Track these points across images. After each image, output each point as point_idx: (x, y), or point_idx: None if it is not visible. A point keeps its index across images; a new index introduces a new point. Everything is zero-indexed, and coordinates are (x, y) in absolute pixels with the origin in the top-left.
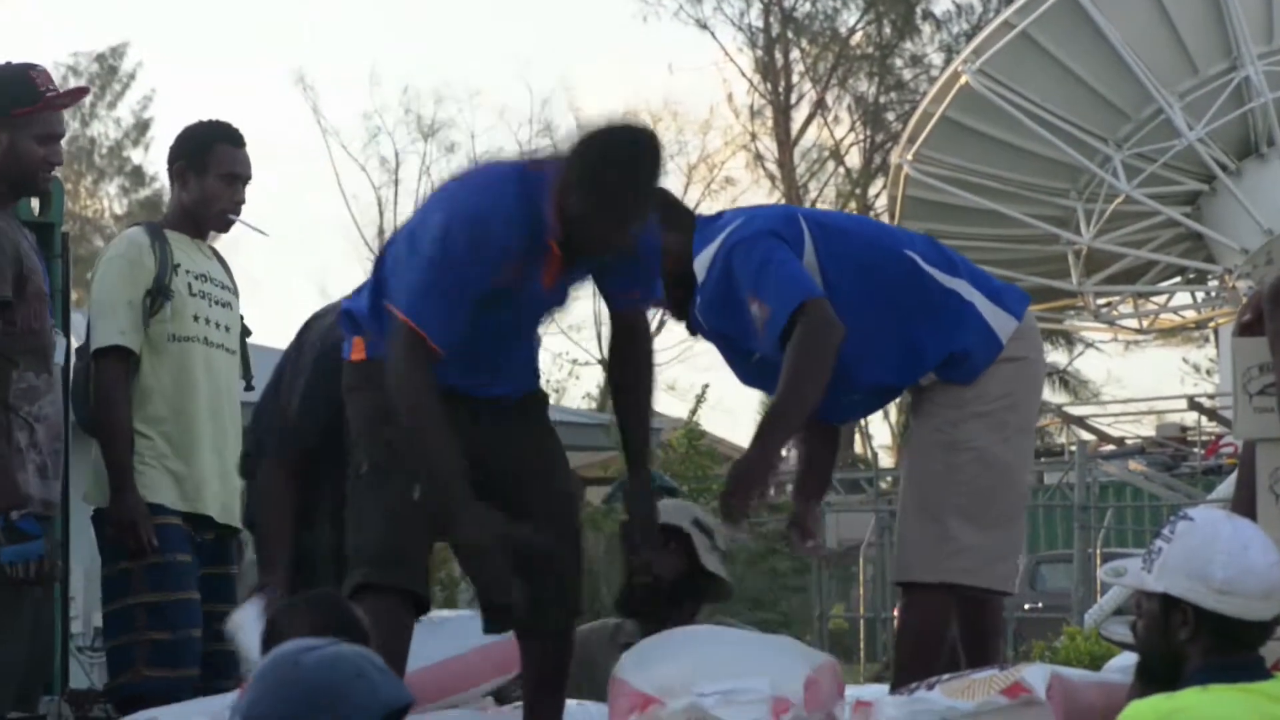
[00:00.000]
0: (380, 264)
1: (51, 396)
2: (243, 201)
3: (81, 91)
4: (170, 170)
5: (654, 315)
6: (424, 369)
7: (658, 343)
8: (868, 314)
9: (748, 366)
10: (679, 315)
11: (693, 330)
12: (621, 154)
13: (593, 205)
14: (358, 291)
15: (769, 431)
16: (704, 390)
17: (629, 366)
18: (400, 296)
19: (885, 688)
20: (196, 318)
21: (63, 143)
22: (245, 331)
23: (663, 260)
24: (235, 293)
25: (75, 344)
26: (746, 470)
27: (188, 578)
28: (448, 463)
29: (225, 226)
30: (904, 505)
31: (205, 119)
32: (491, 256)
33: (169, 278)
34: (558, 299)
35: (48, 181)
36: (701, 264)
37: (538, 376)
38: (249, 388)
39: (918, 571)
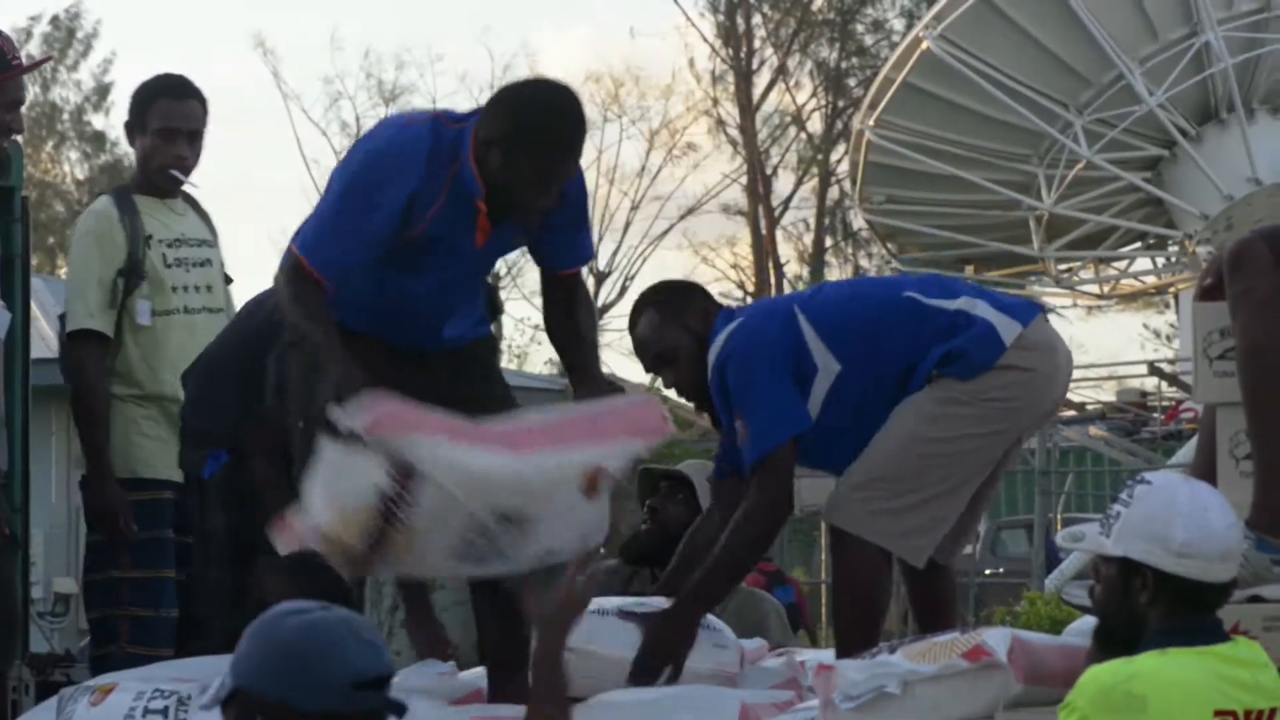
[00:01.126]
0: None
1: None
2: (184, 156)
3: (45, 60)
4: (125, 131)
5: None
6: (310, 295)
7: (622, 306)
8: (879, 382)
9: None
10: (699, 407)
11: (716, 424)
12: (540, 111)
13: (513, 164)
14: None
15: (692, 604)
16: None
17: (570, 320)
18: (301, 230)
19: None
20: (175, 288)
21: (23, 109)
22: (227, 279)
23: (673, 368)
24: (214, 242)
25: (37, 310)
26: (664, 641)
27: (169, 555)
28: (324, 333)
29: (169, 183)
30: (864, 453)
31: (156, 75)
32: (392, 197)
33: (141, 253)
34: (489, 261)
35: (4, 151)
36: (710, 359)
37: (486, 323)
38: None
39: (841, 517)
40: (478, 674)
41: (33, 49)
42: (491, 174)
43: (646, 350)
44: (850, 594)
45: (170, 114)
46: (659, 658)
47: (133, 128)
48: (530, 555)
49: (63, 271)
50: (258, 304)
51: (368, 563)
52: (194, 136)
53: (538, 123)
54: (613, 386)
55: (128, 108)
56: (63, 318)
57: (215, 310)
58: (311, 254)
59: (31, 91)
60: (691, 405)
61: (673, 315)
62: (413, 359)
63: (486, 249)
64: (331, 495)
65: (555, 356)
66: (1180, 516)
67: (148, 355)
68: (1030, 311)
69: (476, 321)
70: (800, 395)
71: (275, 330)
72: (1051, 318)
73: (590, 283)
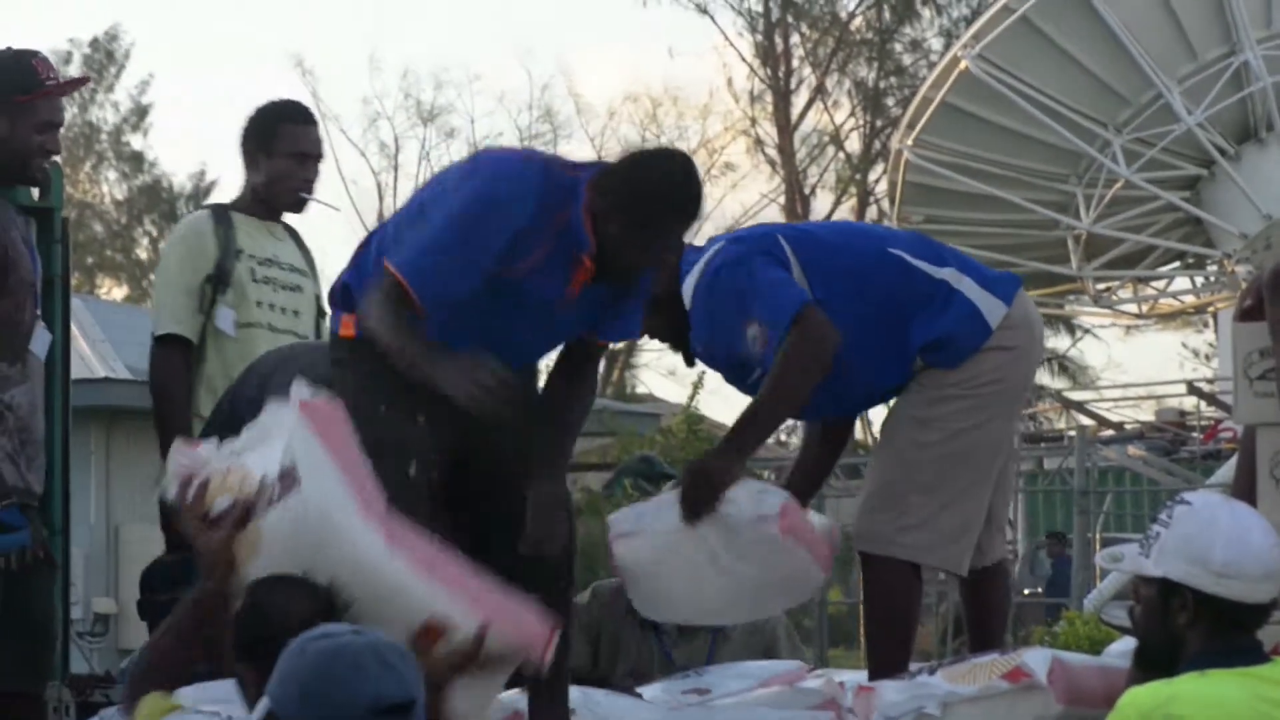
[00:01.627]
0: (368, 242)
1: (26, 386)
2: (313, 179)
3: (81, 81)
4: (242, 153)
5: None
6: (401, 314)
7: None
8: (859, 321)
9: (746, 383)
10: (674, 347)
11: (690, 360)
12: (666, 187)
13: (631, 231)
14: (353, 267)
15: (740, 434)
16: (701, 376)
17: (571, 390)
18: (398, 253)
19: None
20: (260, 303)
21: (60, 130)
22: (320, 312)
23: (658, 308)
24: (310, 273)
25: (77, 331)
26: (712, 471)
27: None
28: (424, 349)
29: (299, 206)
30: (868, 475)
31: (273, 99)
32: (503, 234)
33: (230, 263)
34: (578, 314)
35: (42, 170)
36: (686, 292)
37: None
38: None
39: (869, 543)
40: (517, 696)
41: (73, 70)
42: (606, 236)
43: None
44: (881, 612)
45: (300, 138)
46: (710, 483)
47: (254, 151)
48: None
49: (101, 292)
50: (249, 370)
51: (207, 543)
52: (318, 160)
53: (662, 200)
54: (556, 502)
55: (246, 131)
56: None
57: (302, 336)
58: (416, 281)
59: (70, 112)
60: (677, 352)
61: None
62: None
63: (576, 303)
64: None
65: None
66: (1220, 537)
67: (229, 366)
68: (1012, 288)
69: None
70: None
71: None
72: (1090, 337)
73: None
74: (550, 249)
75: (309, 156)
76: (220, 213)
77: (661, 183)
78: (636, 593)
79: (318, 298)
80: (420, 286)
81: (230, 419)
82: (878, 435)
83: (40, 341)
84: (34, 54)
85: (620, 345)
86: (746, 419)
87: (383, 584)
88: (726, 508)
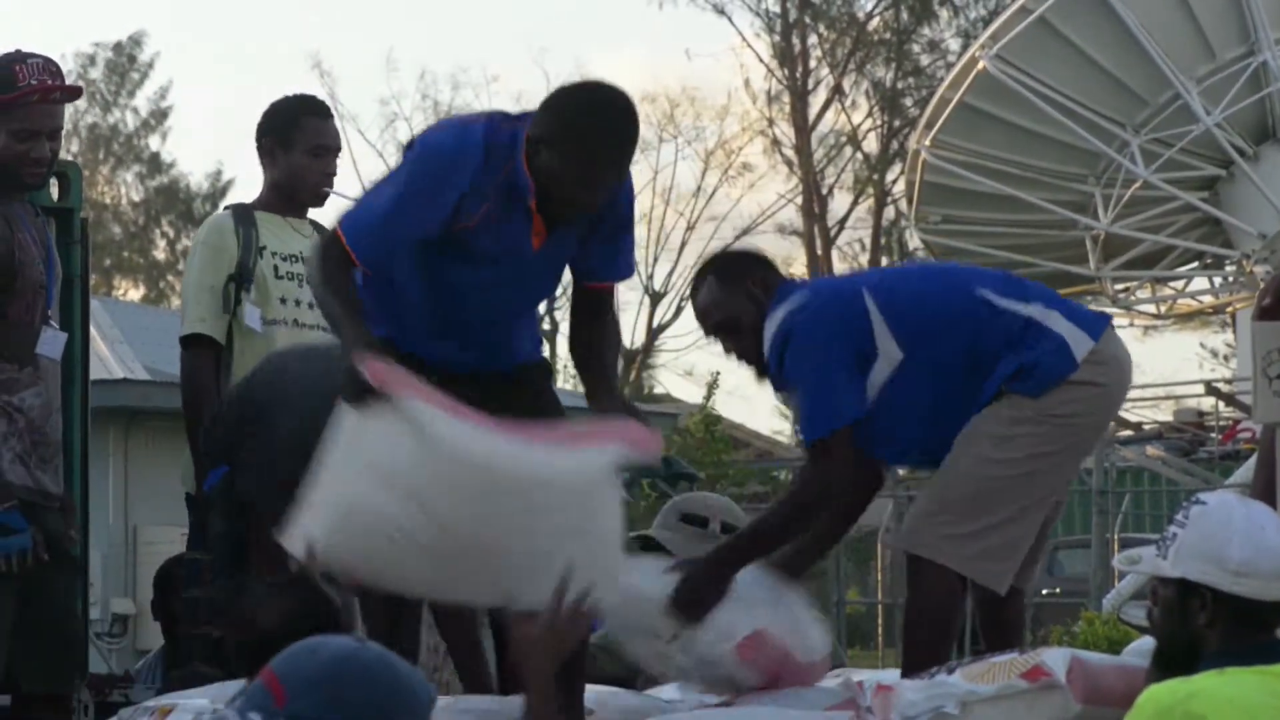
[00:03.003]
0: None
1: (38, 388)
2: (334, 173)
3: (64, 89)
4: (258, 148)
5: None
6: (330, 267)
7: (677, 327)
8: (945, 370)
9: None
10: (759, 375)
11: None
12: (591, 109)
13: (561, 158)
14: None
15: (730, 557)
16: (716, 377)
17: (594, 337)
18: (346, 210)
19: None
20: (284, 300)
21: (49, 138)
22: None
23: (739, 334)
24: None
25: (95, 332)
26: (698, 591)
27: None
28: (341, 307)
29: (320, 200)
30: (935, 479)
31: (290, 93)
32: (445, 191)
33: (253, 261)
34: (549, 270)
35: (36, 178)
36: (765, 338)
37: (538, 345)
38: None
39: (918, 543)
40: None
41: (95, 74)
42: (541, 171)
43: (707, 318)
44: (923, 616)
45: (321, 132)
46: (685, 611)
47: (273, 146)
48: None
49: (119, 293)
50: (263, 364)
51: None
52: (337, 154)
53: (586, 118)
54: (629, 409)
55: (265, 125)
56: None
57: (328, 330)
58: (350, 231)
59: (90, 115)
60: (753, 374)
61: (733, 282)
62: (462, 382)
63: (544, 254)
64: (341, 477)
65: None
66: (1237, 536)
67: (252, 366)
68: (1100, 324)
69: (533, 345)
70: (859, 380)
71: (260, 403)
72: None
73: (645, 303)
74: (499, 203)
75: (328, 150)
76: (242, 211)
77: (586, 104)
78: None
79: None
80: (353, 237)
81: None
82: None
83: (53, 343)
84: (22, 59)
85: (638, 346)
86: (740, 544)
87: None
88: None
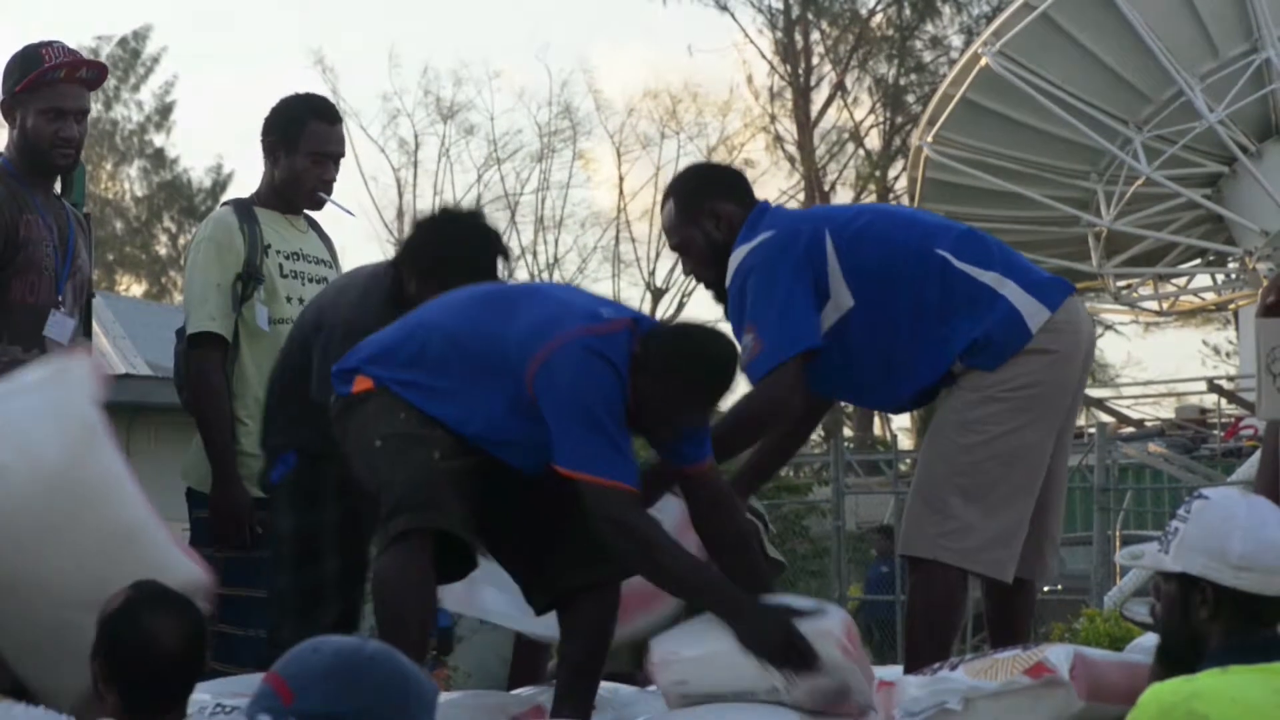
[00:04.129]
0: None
1: None
2: (333, 179)
3: (90, 65)
4: (263, 145)
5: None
6: (640, 511)
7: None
8: (895, 323)
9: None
10: (717, 296)
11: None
12: (713, 373)
13: (675, 410)
14: (368, 358)
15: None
16: None
17: (717, 523)
18: (577, 461)
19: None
20: (290, 299)
21: (76, 120)
22: None
23: (726, 231)
24: (334, 265)
25: (98, 327)
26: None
27: (264, 575)
28: (706, 575)
29: (317, 205)
30: (915, 480)
31: (300, 93)
32: (621, 401)
33: (259, 260)
34: None
35: (66, 158)
36: (730, 265)
37: None
38: None
39: (916, 546)
40: (538, 690)
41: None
42: (648, 404)
43: (667, 238)
44: (925, 615)
45: (325, 139)
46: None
47: (276, 145)
48: None
49: (121, 289)
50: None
51: None
52: (339, 160)
53: (711, 378)
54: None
55: (271, 123)
56: (178, 333)
57: None
58: (618, 474)
59: (94, 110)
60: (712, 296)
61: (688, 209)
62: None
63: None
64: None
65: None
66: (1238, 530)
67: (262, 364)
68: (1059, 293)
69: None
70: (815, 312)
71: (315, 314)
72: (1110, 334)
73: (647, 299)
74: None
75: (329, 156)
76: (244, 208)
77: (704, 365)
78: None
79: None
80: (629, 481)
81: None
82: (905, 435)
83: (61, 327)
84: (48, 44)
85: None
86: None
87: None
88: None
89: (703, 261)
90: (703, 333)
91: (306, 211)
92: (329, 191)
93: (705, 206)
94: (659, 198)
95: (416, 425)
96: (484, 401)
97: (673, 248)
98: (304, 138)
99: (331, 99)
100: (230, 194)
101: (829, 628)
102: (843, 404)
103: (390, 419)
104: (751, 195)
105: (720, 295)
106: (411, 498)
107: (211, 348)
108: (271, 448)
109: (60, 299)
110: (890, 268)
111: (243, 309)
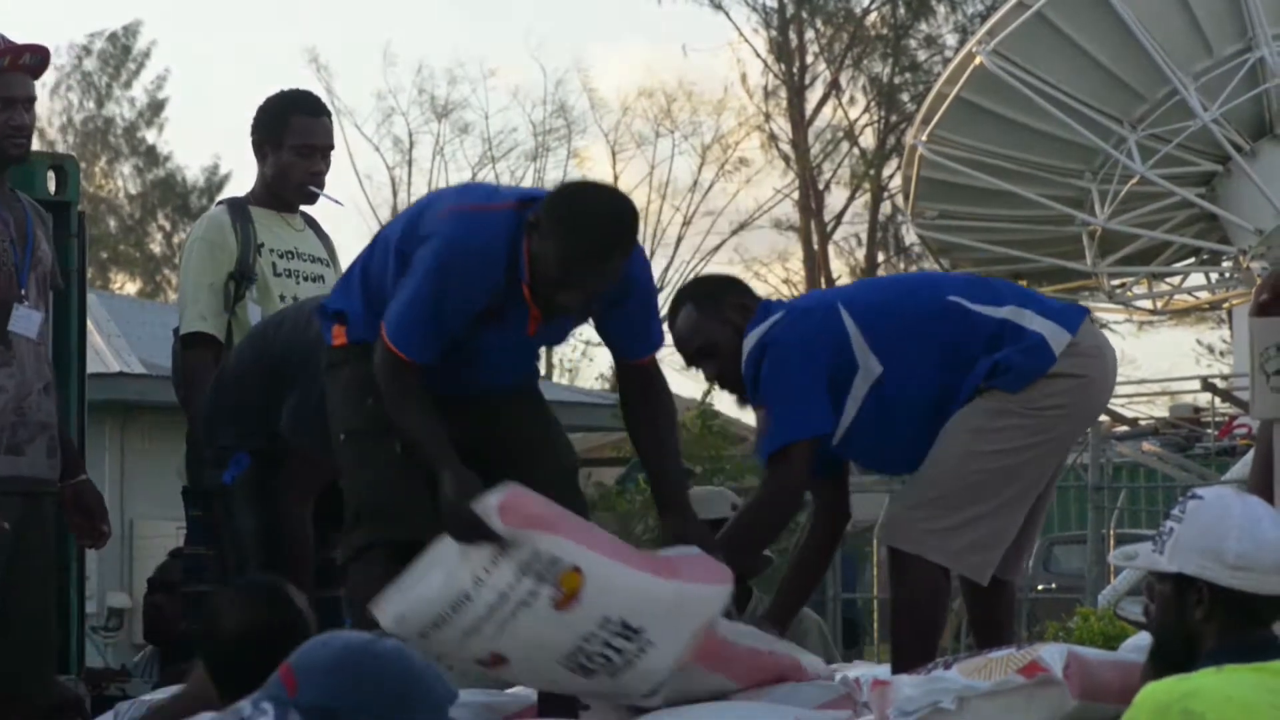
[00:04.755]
0: (367, 261)
1: (11, 369)
2: (321, 172)
3: (33, 50)
4: (252, 145)
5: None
6: (406, 379)
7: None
8: (926, 376)
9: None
10: (742, 400)
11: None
12: (589, 220)
13: (559, 266)
14: (342, 290)
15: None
16: None
17: (647, 417)
18: (390, 319)
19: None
20: (283, 297)
21: (25, 108)
22: None
23: (711, 362)
24: (330, 263)
25: (92, 325)
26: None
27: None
28: (430, 433)
29: (309, 199)
30: (916, 472)
31: (283, 90)
32: (475, 293)
33: (252, 259)
34: (546, 339)
35: (19, 148)
36: (745, 348)
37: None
38: None
39: (901, 538)
40: (528, 690)
41: (89, 65)
42: (537, 263)
43: (686, 345)
44: (909, 611)
45: (309, 130)
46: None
47: (262, 143)
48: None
49: (115, 287)
50: (275, 325)
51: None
52: (327, 152)
53: (587, 224)
54: (697, 528)
55: (256, 122)
56: (175, 330)
57: None
58: (405, 346)
59: (86, 108)
60: (734, 399)
61: (710, 309)
62: (465, 401)
63: (539, 335)
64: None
65: (605, 372)
66: (1234, 530)
67: None
68: (1077, 317)
69: (530, 369)
70: (828, 397)
71: (295, 350)
72: (1105, 332)
73: None
74: (506, 284)
75: (315, 149)
76: (238, 207)
77: (581, 212)
78: None
79: None
80: (411, 351)
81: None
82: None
83: (27, 321)
84: None
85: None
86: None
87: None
88: None
89: (732, 355)
90: (586, 185)
91: (303, 209)
92: (319, 184)
93: (728, 300)
94: (653, 196)
95: (379, 414)
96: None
97: (694, 351)
98: (288, 132)
99: (325, 97)
100: (226, 194)
101: (487, 501)
102: None
103: (357, 406)
104: (753, 293)
105: (741, 396)
106: (372, 506)
107: (203, 347)
108: (220, 448)
109: (23, 292)
110: (913, 324)
111: (236, 308)
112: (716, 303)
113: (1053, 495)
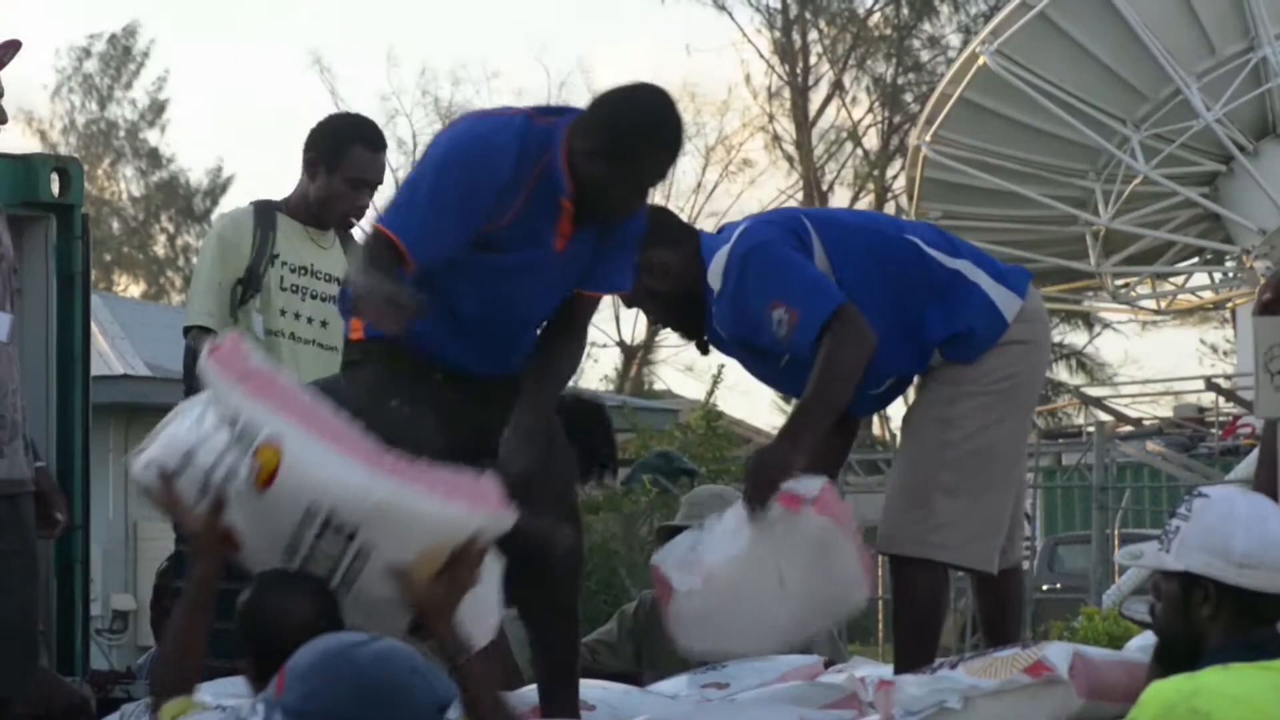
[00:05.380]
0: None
1: None
2: (367, 206)
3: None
4: (304, 158)
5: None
6: (389, 261)
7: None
8: (877, 306)
9: (775, 370)
10: (687, 335)
11: (704, 349)
12: (646, 120)
13: (615, 169)
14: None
15: (795, 429)
16: (720, 371)
17: (558, 340)
18: (385, 209)
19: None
20: (284, 312)
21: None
22: None
23: (663, 279)
24: None
25: (95, 328)
26: (770, 465)
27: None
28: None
29: (346, 228)
30: (892, 478)
31: (349, 113)
32: (483, 182)
33: (263, 268)
34: (563, 274)
35: None
36: (715, 274)
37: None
38: None
39: (900, 544)
40: (530, 690)
41: (90, 67)
42: (587, 177)
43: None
44: (910, 613)
45: (367, 165)
46: (768, 477)
47: (316, 162)
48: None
49: (119, 289)
50: None
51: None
52: (376, 187)
53: (640, 131)
54: (538, 438)
55: (317, 138)
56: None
57: (328, 347)
58: (402, 232)
59: (88, 109)
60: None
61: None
62: (469, 382)
63: (563, 256)
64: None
65: (610, 373)
66: (1240, 528)
67: None
68: (1023, 280)
69: (531, 351)
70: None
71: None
72: (1108, 333)
73: None
74: (530, 198)
75: (368, 184)
76: (265, 212)
77: (641, 116)
78: (695, 637)
79: None
80: (410, 241)
81: None
82: (899, 434)
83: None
84: None
85: (639, 342)
86: (800, 416)
87: (390, 507)
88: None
89: (665, 311)
90: (626, 92)
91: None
92: (360, 217)
93: (670, 231)
94: (657, 198)
95: (403, 420)
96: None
97: (628, 303)
98: (346, 161)
99: (328, 99)
100: (230, 198)
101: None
102: None
103: (380, 408)
104: (686, 230)
105: (688, 332)
106: None
107: (206, 340)
108: None
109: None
110: (870, 247)
111: (239, 313)
112: (662, 232)
113: (1025, 465)
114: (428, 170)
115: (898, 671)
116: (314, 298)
